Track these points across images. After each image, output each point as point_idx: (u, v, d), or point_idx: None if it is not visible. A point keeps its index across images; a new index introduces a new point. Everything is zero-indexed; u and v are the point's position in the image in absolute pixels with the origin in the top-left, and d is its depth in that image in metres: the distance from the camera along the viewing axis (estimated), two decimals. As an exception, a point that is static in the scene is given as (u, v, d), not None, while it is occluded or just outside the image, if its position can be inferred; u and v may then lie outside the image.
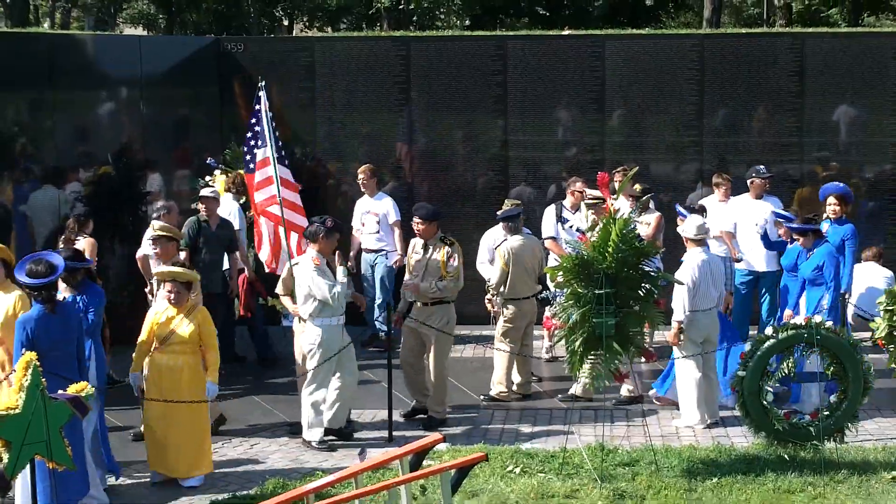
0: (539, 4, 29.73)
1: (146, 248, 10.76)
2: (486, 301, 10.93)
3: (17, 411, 6.77)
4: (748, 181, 11.94)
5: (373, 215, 12.35)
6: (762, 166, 12.08)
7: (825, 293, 10.01)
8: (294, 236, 10.30)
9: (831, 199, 11.07)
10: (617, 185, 10.36)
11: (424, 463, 7.45)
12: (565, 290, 8.51)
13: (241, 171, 11.30)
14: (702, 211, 10.90)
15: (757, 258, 11.58)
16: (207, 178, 12.60)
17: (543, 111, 13.56)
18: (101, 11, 36.30)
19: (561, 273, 8.42)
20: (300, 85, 13.65)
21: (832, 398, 8.96)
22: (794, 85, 13.23)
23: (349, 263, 12.20)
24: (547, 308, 10.71)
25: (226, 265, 11.53)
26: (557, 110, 13.61)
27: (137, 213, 12.77)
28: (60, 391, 7.15)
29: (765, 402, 8.83)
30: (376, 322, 12.31)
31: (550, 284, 10.02)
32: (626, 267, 8.32)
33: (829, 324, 8.95)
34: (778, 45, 13.50)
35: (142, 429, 9.08)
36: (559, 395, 10.57)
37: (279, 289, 9.93)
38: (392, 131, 13.66)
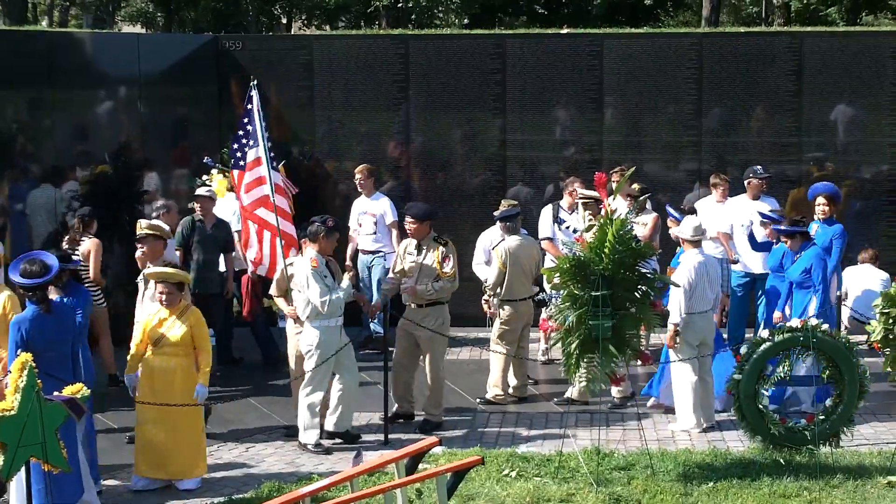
0: (538, 3, 29.70)
1: None
2: (483, 302, 10.91)
3: (13, 413, 6.76)
4: (745, 182, 11.94)
5: (370, 216, 12.31)
6: (759, 167, 12.08)
7: (812, 296, 9.98)
8: (280, 241, 10.16)
9: (820, 199, 11.07)
10: (614, 186, 10.33)
11: (420, 466, 7.46)
12: (562, 291, 8.49)
13: None
14: (692, 213, 10.88)
15: (754, 260, 11.56)
16: (205, 177, 12.59)
17: (542, 110, 13.55)
18: (100, 9, 36.26)
19: (557, 274, 8.40)
20: (298, 83, 13.64)
21: (828, 402, 8.95)
22: (793, 84, 13.22)
23: (347, 264, 12.22)
24: (543, 310, 10.69)
25: (222, 266, 11.50)
26: (556, 109, 13.59)
27: (136, 213, 12.75)
28: (56, 392, 7.14)
29: (761, 406, 8.81)
30: (371, 324, 12.29)
31: (547, 286, 10.02)
32: (623, 268, 8.28)
33: (825, 327, 8.94)
34: (776, 44, 13.49)
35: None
36: (555, 399, 10.56)
37: (273, 290, 9.92)
38: (390, 130, 13.64)
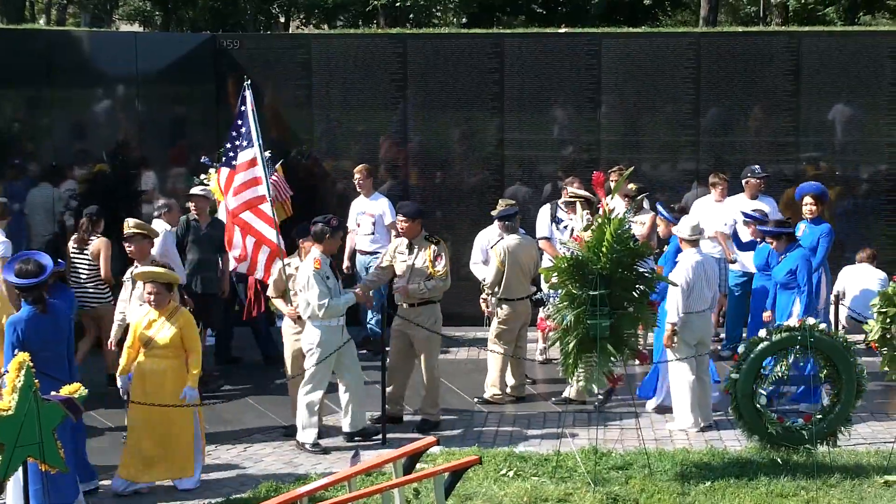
0: (536, 3, 29.67)
1: None
2: (481, 301, 10.91)
3: (10, 413, 6.76)
4: (743, 181, 11.95)
5: (368, 216, 12.28)
6: (757, 166, 12.08)
7: (797, 297, 9.98)
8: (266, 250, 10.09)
9: (807, 199, 11.08)
10: (612, 185, 10.33)
11: (418, 466, 7.46)
12: (559, 291, 8.49)
13: None
14: (682, 212, 10.86)
15: (751, 259, 11.54)
16: (202, 176, 12.57)
17: (540, 110, 13.54)
18: (97, 8, 36.22)
19: (555, 274, 8.40)
20: (296, 83, 13.62)
21: (825, 401, 8.96)
22: (790, 84, 13.22)
23: (345, 265, 12.21)
24: (541, 309, 10.69)
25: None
26: (554, 109, 13.59)
27: (134, 212, 12.74)
28: (53, 392, 7.14)
29: (758, 406, 8.82)
30: (368, 325, 12.28)
31: (544, 286, 10.01)
32: (621, 268, 8.28)
33: (822, 326, 8.94)
34: (774, 44, 13.49)
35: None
36: (553, 398, 10.56)
37: (270, 291, 9.91)
38: (388, 129, 13.63)
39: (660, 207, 10.85)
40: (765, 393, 8.85)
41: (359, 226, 12.33)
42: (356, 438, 9.42)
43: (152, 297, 8.44)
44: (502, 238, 10.58)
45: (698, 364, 9.66)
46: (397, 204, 10.81)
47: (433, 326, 9.85)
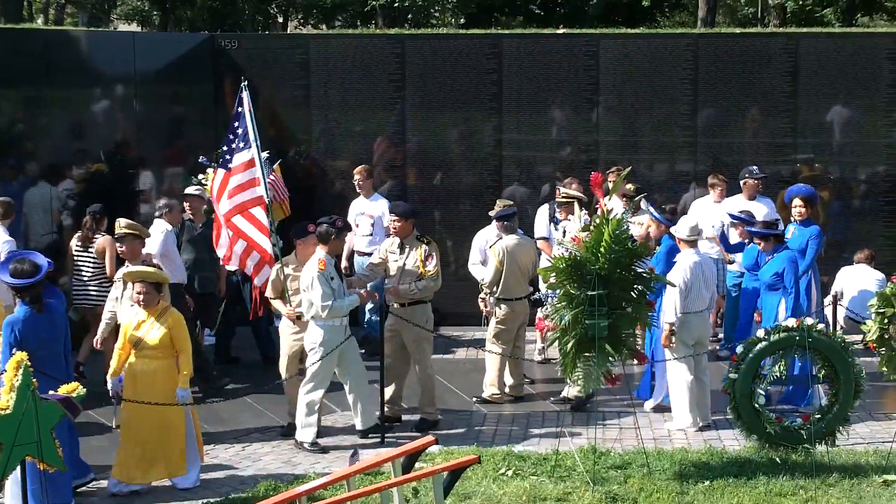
0: (534, 3, 29.68)
1: (149, 245, 10.67)
2: (480, 300, 10.91)
3: (8, 412, 6.76)
4: (741, 182, 11.97)
5: (367, 217, 12.28)
6: (755, 167, 12.10)
7: (782, 298, 9.99)
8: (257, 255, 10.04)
9: (797, 201, 11.09)
10: (611, 186, 10.34)
11: (417, 465, 7.46)
12: (558, 291, 8.49)
13: None
14: (672, 213, 10.86)
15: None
16: (200, 176, 12.56)
17: (538, 110, 13.54)
18: (95, 7, 36.20)
19: (553, 274, 8.40)
20: (295, 83, 13.63)
21: (824, 401, 8.97)
22: (788, 85, 13.24)
23: (343, 265, 12.20)
24: (540, 309, 10.69)
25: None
26: (552, 109, 13.59)
27: (132, 211, 12.73)
28: (51, 391, 7.14)
29: (756, 405, 8.83)
30: (366, 325, 12.27)
31: (542, 286, 10.01)
32: (619, 268, 8.28)
33: (820, 326, 8.95)
34: (772, 45, 13.50)
35: (115, 428, 8.95)
36: (551, 398, 10.56)
37: (269, 292, 9.89)
38: (386, 129, 13.63)
39: (650, 208, 10.86)
40: (763, 393, 8.86)
41: (357, 226, 12.31)
42: (370, 435, 9.47)
43: (141, 297, 8.38)
44: (501, 238, 10.58)
45: (696, 364, 9.66)
46: (390, 204, 10.80)
47: (424, 326, 9.85)
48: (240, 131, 9.99)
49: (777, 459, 8.64)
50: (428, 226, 13.24)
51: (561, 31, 15.96)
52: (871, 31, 18.90)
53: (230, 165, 9.99)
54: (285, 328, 9.75)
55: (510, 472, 8.51)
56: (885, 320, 8.72)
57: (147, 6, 34.31)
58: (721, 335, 12.03)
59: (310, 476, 8.51)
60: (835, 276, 12.04)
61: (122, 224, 9.85)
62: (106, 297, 10.97)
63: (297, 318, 9.60)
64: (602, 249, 8.14)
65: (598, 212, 8.33)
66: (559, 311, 8.39)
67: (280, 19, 34.89)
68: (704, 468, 8.56)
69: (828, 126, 13.36)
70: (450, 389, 10.83)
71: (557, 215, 11.52)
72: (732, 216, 11.10)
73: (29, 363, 6.91)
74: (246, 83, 10.12)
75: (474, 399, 10.65)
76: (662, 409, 10.12)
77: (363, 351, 11.88)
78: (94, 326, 11.12)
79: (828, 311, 10.61)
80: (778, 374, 8.83)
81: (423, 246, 9.85)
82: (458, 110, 13.57)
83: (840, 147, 13.39)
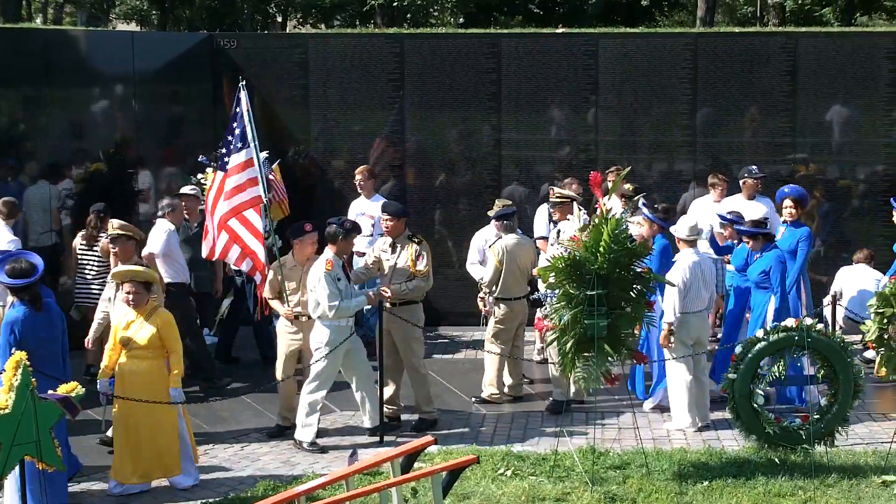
0: (533, 3, 29.69)
1: (151, 245, 10.67)
2: (479, 300, 10.90)
3: (7, 411, 6.76)
4: (740, 182, 11.97)
5: (368, 217, 12.24)
6: (754, 167, 12.09)
7: (772, 296, 9.98)
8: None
9: (787, 202, 11.06)
10: (610, 185, 10.33)
11: (416, 465, 7.45)
12: (557, 291, 8.48)
13: None
14: (665, 212, 10.85)
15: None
16: (199, 175, 12.55)
17: (537, 110, 13.55)
18: (94, 7, 36.20)
19: (552, 273, 8.40)
20: (294, 82, 13.63)
21: (822, 401, 8.97)
22: (787, 84, 13.24)
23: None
24: (539, 309, 10.67)
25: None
26: (551, 109, 13.59)
27: (131, 210, 12.74)
28: (50, 391, 7.13)
29: (755, 405, 8.82)
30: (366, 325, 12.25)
31: (541, 286, 10.00)
32: (618, 268, 8.27)
33: (819, 326, 8.95)
34: (771, 44, 13.50)
35: (109, 433, 8.93)
36: (550, 398, 10.55)
37: (267, 292, 9.88)
38: (385, 129, 13.63)
39: (644, 209, 10.84)
40: (762, 393, 8.85)
41: (357, 226, 12.30)
42: (377, 433, 9.50)
43: (130, 297, 8.33)
44: (500, 238, 10.57)
45: (695, 364, 9.66)
46: (382, 204, 10.79)
47: (414, 326, 9.85)
48: (237, 132, 9.91)
49: (776, 460, 8.64)
50: (427, 225, 13.26)
51: (560, 30, 15.96)
52: (869, 31, 18.88)
53: (227, 167, 9.94)
54: (283, 328, 9.75)
55: (509, 472, 8.50)
56: (885, 320, 8.71)
57: (146, 6, 34.32)
58: (720, 335, 12.01)
59: (308, 476, 8.51)
60: (834, 276, 12.04)
61: (115, 225, 9.86)
62: (107, 295, 11.00)
63: (295, 318, 9.60)
64: (601, 249, 8.13)
65: (598, 211, 8.32)
66: (558, 310, 8.38)
67: (279, 19, 34.90)
68: (703, 468, 8.56)
69: (827, 125, 13.36)
70: (449, 389, 10.82)
71: (551, 215, 11.49)
72: (722, 217, 11.10)
73: (28, 363, 6.90)
74: (244, 83, 10.09)
75: (473, 399, 10.65)
76: (661, 409, 10.11)
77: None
78: None
79: (827, 311, 10.60)
80: (777, 374, 8.82)
81: (414, 245, 9.85)
82: (457, 110, 13.57)
83: (839, 146, 13.40)
